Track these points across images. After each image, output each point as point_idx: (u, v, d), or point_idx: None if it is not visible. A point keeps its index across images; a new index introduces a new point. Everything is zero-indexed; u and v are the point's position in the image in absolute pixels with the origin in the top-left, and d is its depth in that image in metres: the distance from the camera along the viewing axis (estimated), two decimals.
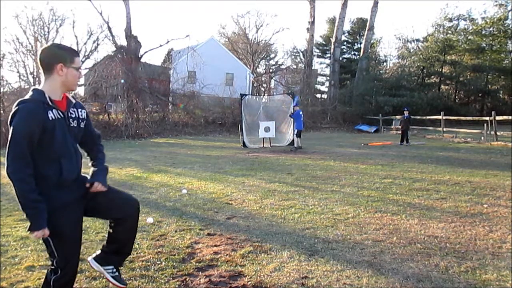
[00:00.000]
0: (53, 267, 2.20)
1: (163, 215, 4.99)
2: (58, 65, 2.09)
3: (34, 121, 1.99)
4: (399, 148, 13.60)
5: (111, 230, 2.48)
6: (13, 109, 2.01)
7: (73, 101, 2.23)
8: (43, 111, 2.03)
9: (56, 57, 2.10)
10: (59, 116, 2.10)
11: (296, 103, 14.03)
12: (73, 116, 2.21)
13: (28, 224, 2.03)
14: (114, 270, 2.52)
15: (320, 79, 42.46)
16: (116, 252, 2.51)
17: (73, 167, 2.19)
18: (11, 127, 1.99)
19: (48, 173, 2.09)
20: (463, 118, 19.36)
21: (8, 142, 1.99)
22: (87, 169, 2.39)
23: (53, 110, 2.08)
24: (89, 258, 2.57)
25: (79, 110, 2.26)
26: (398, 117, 21.13)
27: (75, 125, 2.22)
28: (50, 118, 2.05)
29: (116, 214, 2.43)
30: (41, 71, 2.14)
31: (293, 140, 13.40)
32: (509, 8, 27.59)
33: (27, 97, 2.07)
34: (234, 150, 13.20)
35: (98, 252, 2.54)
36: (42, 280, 3.05)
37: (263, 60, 43.75)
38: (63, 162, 2.13)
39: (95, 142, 2.47)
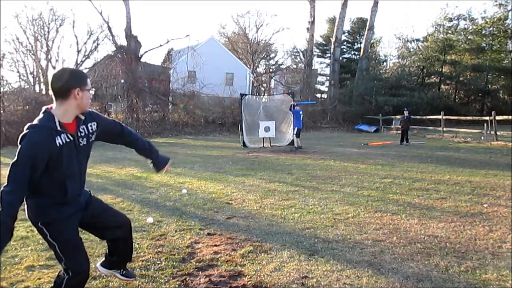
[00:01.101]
0: (64, 268, 2.28)
1: (163, 215, 4.99)
2: (75, 90, 2.11)
3: (40, 150, 2.02)
4: (399, 148, 13.60)
5: (109, 246, 2.67)
6: (24, 131, 2.05)
7: (83, 118, 2.24)
8: (51, 138, 2.06)
9: (72, 82, 2.12)
10: (67, 140, 2.13)
11: (297, 103, 14.00)
12: (83, 134, 2.24)
13: None
14: (122, 270, 2.80)
15: (320, 79, 42.43)
16: (117, 261, 2.73)
17: (77, 186, 2.28)
18: (19, 148, 2.03)
19: (53, 193, 2.18)
20: (463, 118, 19.35)
21: (12, 162, 2.02)
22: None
23: (61, 136, 2.11)
24: (97, 265, 2.78)
25: (89, 125, 2.28)
26: (398, 117, 21.11)
27: (85, 143, 2.26)
28: (58, 145, 2.08)
29: (110, 236, 2.58)
30: (52, 95, 2.15)
31: (293, 140, 13.40)
32: (509, 8, 27.60)
33: (36, 121, 2.10)
34: (234, 150, 13.20)
35: (103, 259, 2.77)
36: (42, 280, 3.06)
37: (263, 60, 43.76)
38: (68, 183, 2.20)
39: (123, 133, 2.55)
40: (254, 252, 3.61)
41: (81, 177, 2.31)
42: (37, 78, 25.27)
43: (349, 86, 30.57)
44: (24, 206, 2.23)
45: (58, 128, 2.09)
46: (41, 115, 2.12)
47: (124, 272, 2.79)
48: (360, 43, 35.52)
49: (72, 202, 2.28)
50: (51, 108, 2.15)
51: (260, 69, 41.73)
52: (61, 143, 2.10)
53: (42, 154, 2.03)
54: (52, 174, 2.12)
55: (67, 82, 2.11)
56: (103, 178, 7.97)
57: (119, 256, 2.67)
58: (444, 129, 18.16)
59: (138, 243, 3.89)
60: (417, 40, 32.82)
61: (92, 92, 2.31)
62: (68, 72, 2.19)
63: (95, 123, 2.32)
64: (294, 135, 13.21)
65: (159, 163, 2.67)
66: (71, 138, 2.15)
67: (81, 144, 2.22)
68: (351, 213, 4.90)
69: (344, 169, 8.66)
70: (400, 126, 17.19)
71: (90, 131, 2.28)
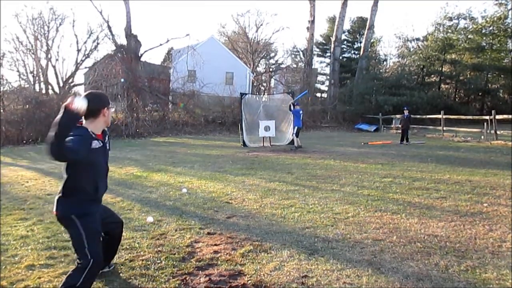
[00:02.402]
0: (84, 260, 2.59)
1: (163, 214, 4.99)
2: (103, 110, 2.68)
3: (86, 141, 2.56)
4: (399, 147, 13.59)
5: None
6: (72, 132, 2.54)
7: (106, 129, 2.84)
8: (91, 140, 2.61)
9: (101, 103, 2.68)
10: (99, 145, 2.69)
11: (296, 102, 13.95)
12: (106, 141, 2.81)
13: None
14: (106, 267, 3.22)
15: (320, 78, 42.50)
16: (106, 259, 3.05)
17: (104, 186, 2.84)
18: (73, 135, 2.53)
19: (88, 191, 2.68)
20: (463, 117, 19.35)
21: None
22: None
23: (96, 141, 2.66)
24: None
25: (108, 135, 2.88)
26: (398, 116, 21.12)
27: (108, 148, 2.87)
28: (92, 146, 2.61)
29: (110, 230, 3.08)
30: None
31: (293, 139, 13.39)
32: (509, 7, 27.57)
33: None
34: (234, 149, 13.20)
35: None
36: (42, 279, 3.06)
37: (263, 59, 43.66)
38: (99, 182, 2.74)
39: None
40: (254, 251, 3.62)
41: (106, 177, 2.86)
42: (37, 78, 25.22)
43: (349, 86, 30.57)
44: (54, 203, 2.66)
45: (93, 135, 2.64)
46: (76, 130, 2.51)
47: (107, 268, 3.21)
48: (360, 42, 35.53)
49: (99, 200, 2.82)
50: (81, 123, 2.62)
51: (260, 68, 41.73)
52: (95, 146, 2.63)
53: (87, 145, 2.55)
54: (87, 170, 2.62)
55: (98, 104, 2.65)
56: None
57: (110, 252, 3.14)
58: (444, 128, 18.17)
59: (138, 243, 3.89)
60: (417, 39, 32.82)
61: (113, 109, 2.83)
62: (96, 95, 2.74)
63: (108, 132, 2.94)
64: (294, 135, 13.20)
65: None
66: (102, 144, 2.71)
67: (107, 150, 2.83)
68: (351, 213, 4.90)
69: (344, 168, 8.65)
70: (400, 126, 17.19)
71: (108, 138, 2.86)
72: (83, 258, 2.59)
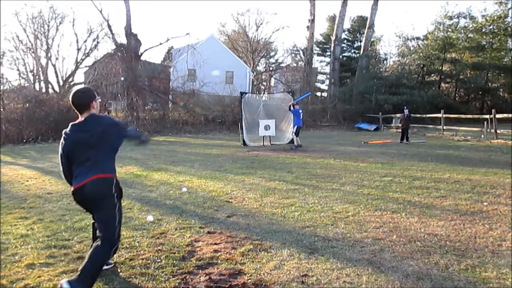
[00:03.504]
0: (112, 238, 2.83)
1: (163, 213, 4.99)
2: (92, 103, 2.90)
3: None
4: (399, 146, 13.59)
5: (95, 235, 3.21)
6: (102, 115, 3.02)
7: None
8: None
9: (90, 97, 2.91)
10: None
11: (296, 102, 13.92)
12: None
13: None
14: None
15: (320, 77, 42.42)
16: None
17: None
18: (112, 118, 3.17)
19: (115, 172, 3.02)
20: (463, 116, 19.33)
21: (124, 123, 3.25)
22: None
23: None
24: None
25: None
26: (398, 115, 21.11)
27: None
28: None
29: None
30: (77, 111, 2.88)
31: (293, 138, 13.39)
32: (509, 6, 27.57)
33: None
34: (234, 149, 13.20)
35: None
36: (42, 278, 3.06)
37: (263, 58, 43.61)
38: None
39: None
40: (254, 250, 3.62)
41: None
42: (37, 76, 25.24)
43: (349, 85, 30.54)
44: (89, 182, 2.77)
45: None
46: (98, 117, 2.93)
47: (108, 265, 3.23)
48: (360, 41, 35.44)
49: None
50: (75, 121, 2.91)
51: (260, 67, 41.69)
52: None
53: None
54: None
55: (87, 98, 2.89)
56: None
57: None
58: (444, 127, 18.16)
59: (138, 242, 3.90)
60: (417, 38, 32.78)
61: (99, 100, 3.04)
62: (84, 91, 2.99)
63: None
64: (294, 134, 13.20)
65: None
66: None
67: None
68: (351, 212, 4.91)
69: (344, 167, 8.65)
70: (400, 125, 17.18)
71: None
72: (110, 237, 2.82)
